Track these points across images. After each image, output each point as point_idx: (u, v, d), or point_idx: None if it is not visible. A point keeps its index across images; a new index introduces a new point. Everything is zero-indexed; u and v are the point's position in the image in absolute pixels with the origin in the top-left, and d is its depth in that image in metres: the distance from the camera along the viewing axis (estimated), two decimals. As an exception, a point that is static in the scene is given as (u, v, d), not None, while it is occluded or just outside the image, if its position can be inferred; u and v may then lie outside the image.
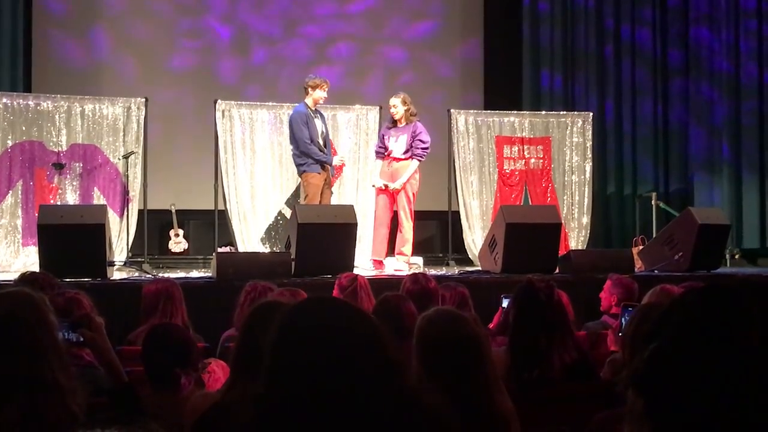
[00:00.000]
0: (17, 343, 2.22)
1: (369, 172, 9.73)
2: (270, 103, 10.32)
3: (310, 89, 8.79)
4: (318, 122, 8.87)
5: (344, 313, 1.50)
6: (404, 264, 8.65)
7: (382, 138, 8.93)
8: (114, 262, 8.14)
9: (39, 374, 2.18)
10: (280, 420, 1.35)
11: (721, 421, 1.15)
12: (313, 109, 8.86)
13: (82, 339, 2.73)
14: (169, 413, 2.92)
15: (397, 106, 8.76)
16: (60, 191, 9.46)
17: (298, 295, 4.27)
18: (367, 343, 1.43)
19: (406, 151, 8.68)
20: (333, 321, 1.46)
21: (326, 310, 1.50)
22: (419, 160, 8.74)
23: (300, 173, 8.91)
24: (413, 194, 8.76)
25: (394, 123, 8.82)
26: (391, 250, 8.92)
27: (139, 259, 9.27)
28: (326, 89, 8.82)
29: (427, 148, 8.75)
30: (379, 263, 8.78)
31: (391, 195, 8.74)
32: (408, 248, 8.77)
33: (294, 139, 8.78)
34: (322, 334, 1.43)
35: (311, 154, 8.68)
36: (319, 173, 8.75)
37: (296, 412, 1.34)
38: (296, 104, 9.07)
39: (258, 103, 10.44)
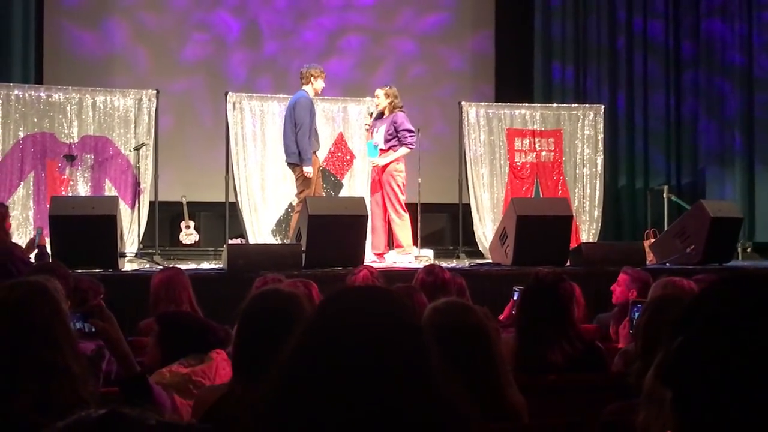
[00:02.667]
0: (31, 331, 2.24)
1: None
2: (281, 95, 10.31)
3: (312, 78, 8.65)
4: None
5: (386, 299, 1.48)
6: (403, 256, 8.61)
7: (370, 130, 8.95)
8: (125, 253, 8.16)
9: (52, 362, 2.20)
10: (304, 400, 1.33)
11: (755, 415, 1.13)
12: (313, 98, 8.78)
13: (94, 329, 2.75)
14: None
15: (380, 96, 8.79)
16: (71, 183, 9.49)
17: (311, 287, 4.27)
18: (404, 333, 1.43)
19: (387, 141, 8.66)
20: (371, 307, 1.45)
21: (367, 296, 1.50)
22: (410, 148, 8.69)
23: (292, 165, 8.63)
24: (399, 186, 8.69)
25: (381, 115, 8.84)
26: (392, 244, 8.92)
27: (150, 251, 9.30)
28: (324, 80, 8.78)
29: (414, 135, 8.71)
30: (379, 256, 8.77)
31: (382, 188, 8.73)
32: (405, 239, 8.71)
33: (295, 124, 8.47)
34: (359, 319, 1.42)
35: (308, 144, 8.49)
36: (312, 162, 8.58)
37: (322, 395, 1.32)
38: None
39: (269, 95, 10.46)
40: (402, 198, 8.76)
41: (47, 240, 7.24)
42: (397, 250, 8.75)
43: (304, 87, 8.68)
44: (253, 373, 2.39)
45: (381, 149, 8.71)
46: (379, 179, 8.81)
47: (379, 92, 8.84)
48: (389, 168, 8.68)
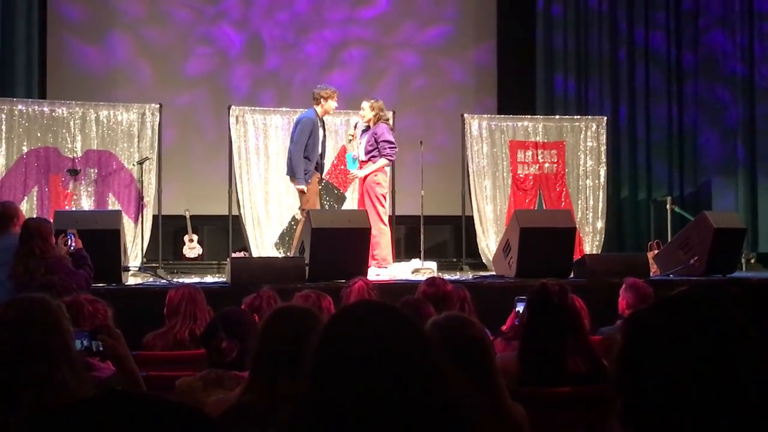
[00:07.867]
0: (28, 345, 2.29)
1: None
2: (283, 109, 10.35)
3: (322, 100, 8.71)
4: (321, 132, 8.86)
5: (394, 317, 1.50)
6: (377, 269, 8.49)
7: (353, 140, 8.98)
8: (129, 267, 8.17)
9: (48, 376, 2.23)
10: (320, 422, 1.35)
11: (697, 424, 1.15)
12: (321, 118, 8.85)
13: (101, 348, 2.77)
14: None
15: (365, 109, 8.78)
16: (75, 197, 9.51)
17: (323, 299, 4.28)
18: (415, 349, 1.44)
19: (367, 153, 8.68)
20: (382, 324, 1.47)
21: (375, 314, 1.51)
22: (389, 159, 8.71)
23: (293, 179, 8.76)
24: (377, 197, 8.66)
25: (367, 127, 8.85)
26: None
27: (154, 265, 9.30)
28: (336, 99, 8.82)
29: (394, 147, 8.71)
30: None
31: (362, 200, 8.74)
32: (382, 252, 8.61)
33: (294, 141, 8.69)
34: (370, 337, 1.44)
35: (299, 161, 8.57)
36: (311, 182, 8.68)
37: (337, 415, 1.34)
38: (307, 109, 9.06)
39: (272, 108, 10.49)
40: (381, 210, 8.73)
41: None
42: (372, 263, 8.65)
43: (315, 106, 8.75)
44: (269, 384, 2.43)
45: (361, 161, 8.73)
46: (360, 191, 8.85)
47: (365, 104, 8.83)
48: (368, 179, 8.70)
